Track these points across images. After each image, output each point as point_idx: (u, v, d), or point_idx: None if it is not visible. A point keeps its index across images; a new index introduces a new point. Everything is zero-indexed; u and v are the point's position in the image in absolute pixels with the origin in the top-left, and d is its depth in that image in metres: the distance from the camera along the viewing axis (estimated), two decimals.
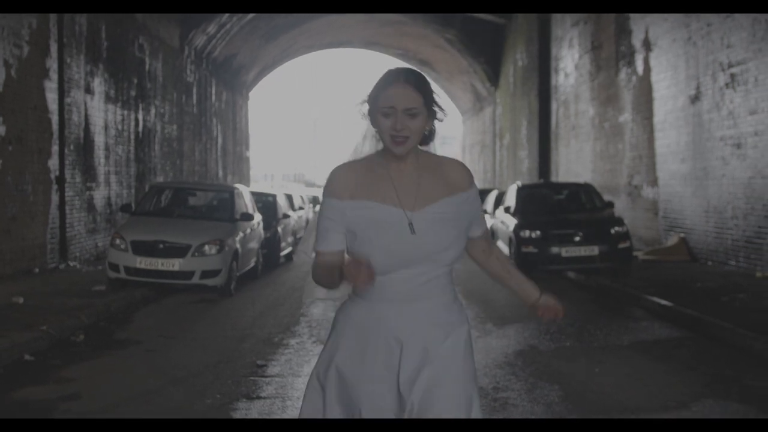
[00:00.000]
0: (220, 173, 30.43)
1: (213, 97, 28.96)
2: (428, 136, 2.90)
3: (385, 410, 2.77)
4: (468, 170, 2.98)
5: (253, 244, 14.36)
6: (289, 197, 24.39)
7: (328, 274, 2.84)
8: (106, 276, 12.33)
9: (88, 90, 16.40)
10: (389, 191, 2.84)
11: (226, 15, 24.76)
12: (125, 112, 18.80)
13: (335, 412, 2.81)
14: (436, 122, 2.89)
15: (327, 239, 2.84)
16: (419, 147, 2.89)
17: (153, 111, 21.07)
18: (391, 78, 2.79)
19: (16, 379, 7.03)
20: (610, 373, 7.45)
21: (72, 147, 15.51)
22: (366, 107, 2.87)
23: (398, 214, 2.80)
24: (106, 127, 17.46)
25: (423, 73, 2.88)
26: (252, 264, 14.41)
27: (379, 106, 2.78)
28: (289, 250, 19.09)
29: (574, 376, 7.31)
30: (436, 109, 2.85)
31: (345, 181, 2.84)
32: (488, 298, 11.94)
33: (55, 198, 14.80)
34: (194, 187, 16.38)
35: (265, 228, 15.81)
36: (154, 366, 7.72)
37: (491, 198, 19.50)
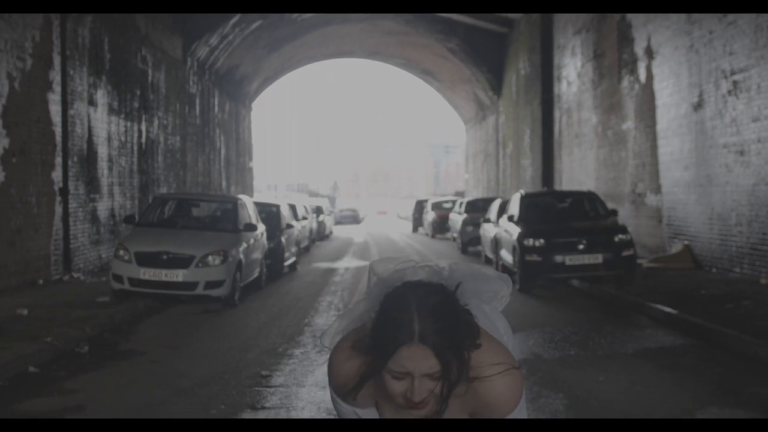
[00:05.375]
0: (224, 184, 30.46)
1: (216, 108, 29.01)
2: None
3: None
4: (517, 390, 2.33)
5: (257, 255, 14.36)
6: (293, 207, 24.42)
7: None
8: (110, 287, 12.35)
9: (91, 102, 16.43)
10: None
11: (229, 26, 24.81)
12: (128, 124, 18.84)
13: None
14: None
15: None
16: None
17: (156, 122, 21.11)
18: (405, 334, 2.15)
19: (21, 391, 7.03)
20: (614, 381, 7.44)
21: (75, 159, 15.53)
22: (361, 346, 2.28)
23: None
24: (109, 139, 17.50)
25: (447, 313, 2.20)
26: (256, 274, 14.41)
27: (388, 366, 2.19)
28: (292, 260, 19.08)
29: (578, 384, 7.29)
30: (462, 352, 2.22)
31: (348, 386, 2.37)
32: None
33: (58, 210, 14.82)
34: (198, 198, 16.39)
35: (268, 238, 15.81)
36: (159, 377, 7.72)
37: (495, 206, 19.50)
